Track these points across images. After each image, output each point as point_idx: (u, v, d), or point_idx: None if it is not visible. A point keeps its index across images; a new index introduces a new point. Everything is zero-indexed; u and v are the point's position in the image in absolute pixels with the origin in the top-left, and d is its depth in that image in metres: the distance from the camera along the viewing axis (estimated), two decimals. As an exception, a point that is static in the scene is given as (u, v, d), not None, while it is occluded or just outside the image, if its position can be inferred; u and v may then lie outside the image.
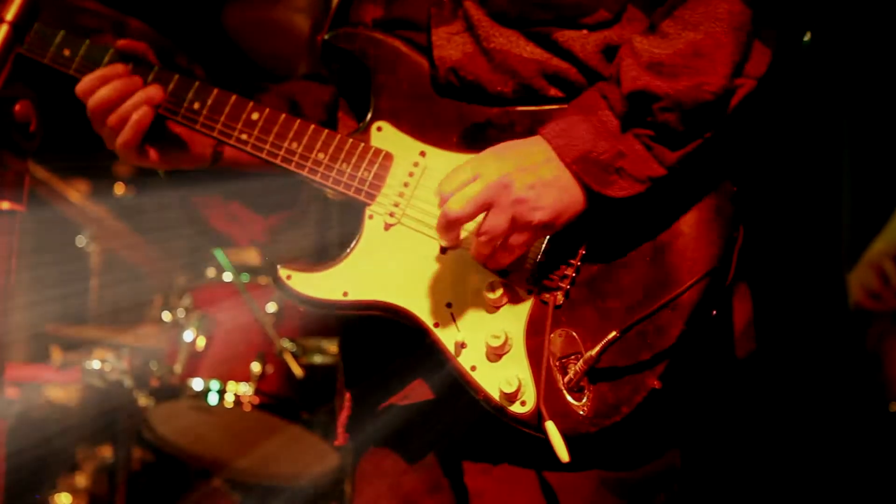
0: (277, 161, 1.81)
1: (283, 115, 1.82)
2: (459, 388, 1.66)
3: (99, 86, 1.87)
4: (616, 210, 1.61)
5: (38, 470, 3.62)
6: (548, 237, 1.65)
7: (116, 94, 1.85)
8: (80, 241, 3.70)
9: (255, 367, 3.04)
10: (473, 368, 1.65)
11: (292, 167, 1.80)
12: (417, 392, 1.76)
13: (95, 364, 3.25)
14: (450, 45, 1.73)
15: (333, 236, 1.89)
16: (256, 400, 3.03)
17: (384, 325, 1.74)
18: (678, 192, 1.62)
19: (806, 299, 3.12)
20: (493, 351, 1.64)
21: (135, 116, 1.84)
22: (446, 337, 1.68)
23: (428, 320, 1.70)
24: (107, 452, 3.60)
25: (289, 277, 1.76)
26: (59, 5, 3.20)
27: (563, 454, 1.55)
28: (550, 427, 1.57)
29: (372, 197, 1.74)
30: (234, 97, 1.84)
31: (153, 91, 1.86)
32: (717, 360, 1.68)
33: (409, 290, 1.72)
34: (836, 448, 3.01)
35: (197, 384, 3.07)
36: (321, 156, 1.78)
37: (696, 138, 1.59)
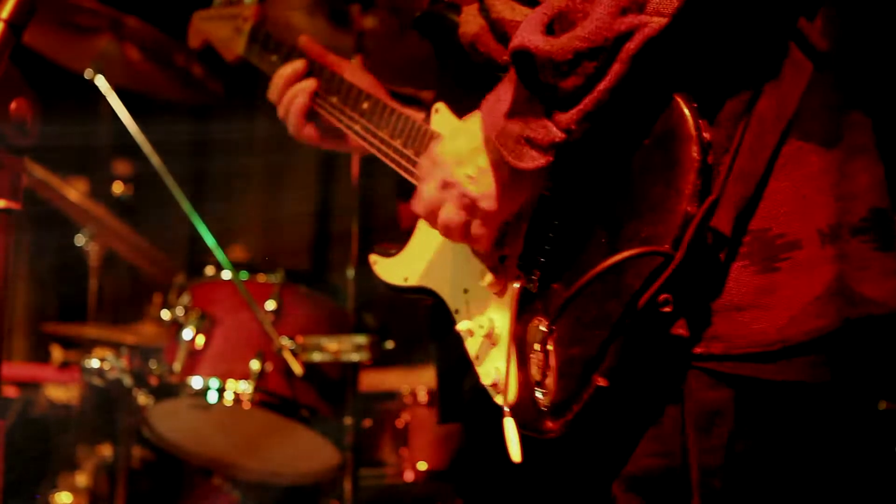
0: (374, 151, 1.92)
1: (381, 104, 1.92)
2: None
3: (277, 80, 2.18)
4: (580, 186, 1.53)
5: (39, 469, 3.63)
6: (528, 221, 1.62)
7: (282, 86, 2.16)
8: (79, 239, 3.70)
9: (255, 364, 3.03)
10: (477, 358, 1.65)
11: (382, 156, 1.89)
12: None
13: (95, 363, 3.24)
14: (471, 22, 1.72)
15: None
16: (256, 398, 3.02)
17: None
18: (644, 161, 1.47)
19: None
20: (486, 340, 1.64)
21: (295, 104, 2.14)
22: (461, 324, 1.69)
23: (451, 306, 1.72)
24: (107, 451, 3.61)
25: (375, 263, 1.87)
26: (57, 3, 3.20)
27: (514, 453, 1.51)
28: (506, 424, 1.54)
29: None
30: (356, 89, 2.01)
31: (308, 83, 2.13)
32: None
33: (442, 274, 1.76)
34: (826, 447, 2.99)
35: (196, 382, 3.07)
36: (398, 142, 1.86)
37: (586, 93, 1.43)
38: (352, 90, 2.04)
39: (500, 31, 1.65)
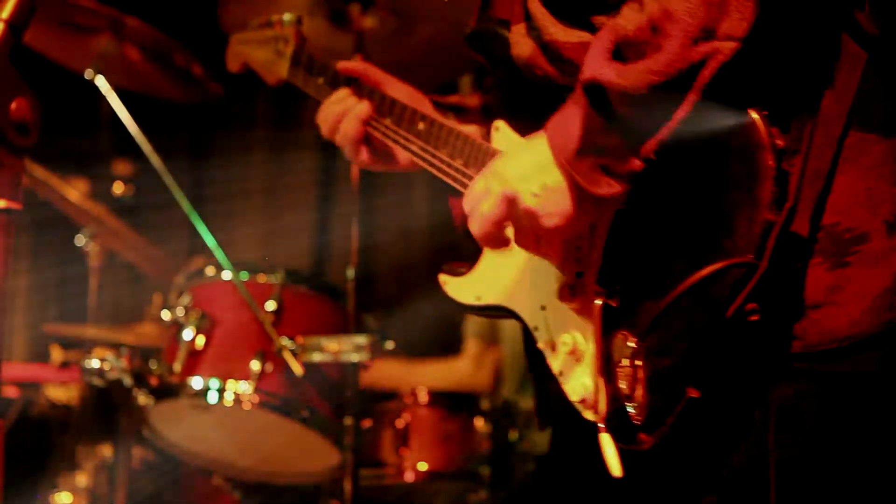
0: (434, 171, 1.90)
1: (439, 124, 1.91)
2: None
3: (328, 110, 2.15)
4: (656, 199, 1.54)
5: (39, 469, 3.63)
6: (607, 237, 1.62)
7: (335, 117, 2.13)
8: (80, 240, 3.70)
9: (255, 365, 3.03)
10: (560, 374, 1.65)
11: (442, 176, 1.88)
12: None
13: (95, 363, 3.23)
14: (521, 43, 1.73)
15: None
16: (256, 398, 3.02)
17: None
18: (715, 176, 1.50)
19: None
20: (570, 356, 1.63)
21: (350, 133, 2.11)
22: (541, 340, 1.69)
23: (529, 323, 1.71)
24: (107, 451, 3.60)
25: (445, 283, 1.86)
26: (57, 4, 3.20)
27: (614, 468, 1.51)
28: (603, 439, 1.53)
29: None
30: (409, 110, 1.99)
31: (361, 108, 2.10)
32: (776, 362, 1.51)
33: (517, 292, 1.76)
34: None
35: (196, 383, 3.06)
36: (459, 162, 1.85)
37: (663, 123, 1.45)
38: (405, 111, 2.03)
39: (555, 54, 1.66)
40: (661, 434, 1.50)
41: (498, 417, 3.40)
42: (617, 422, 1.54)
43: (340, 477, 3.10)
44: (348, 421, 3.04)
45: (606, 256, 1.61)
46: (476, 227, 1.64)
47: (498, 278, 1.79)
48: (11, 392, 3.74)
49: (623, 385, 1.53)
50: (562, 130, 1.55)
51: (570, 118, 1.53)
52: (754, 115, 1.45)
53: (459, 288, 1.85)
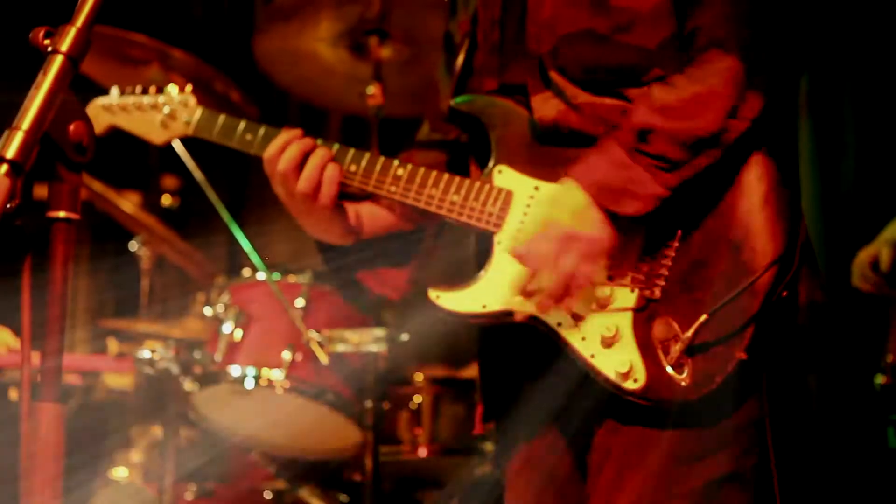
0: (421, 205, 1.94)
1: (423, 169, 1.96)
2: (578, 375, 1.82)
3: (284, 148, 1.94)
4: (697, 222, 1.77)
5: (98, 447, 3.67)
6: (642, 247, 1.79)
7: (300, 151, 1.93)
8: (133, 245, 3.75)
9: (286, 355, 3.08)
10: (592, 356, 1.80)
11: (433, 209, 1.93)
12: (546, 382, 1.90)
13: (146, 354, 3.29)
14: (545, 107, 1.88)
15: (465, 262, 2.04)
16: (287, 384, 3.07)
17: (517, 332, 1.87)
18: (746, 202, 1.76)
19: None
20: (606, 341, 1.78)
21: (327, 172, 1.93)
22: (567, 332, 1.82)
23: (552, 321, 1.83)
24: (157, 431, 3.65)
25: (437, 297, 1.89)
26: (110, 38, 3.24)
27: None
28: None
29: (499, 227, 1.89)
30: (382, 158, 1.97)
31: (326, 152, 1.94)
32: (789, 330, 1.80)
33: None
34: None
35: (235, 370, 3.12)
36: (455, 197, 1.91)
37: (687, 164, 1.73)
38: (375, 158, 1.96)
39: (590, 112, 1.84)
40: (709, 391, 1.72)
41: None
42: (657, 386, 1.75)
43: (362, 453, 3.13)
44: (369, 404, 3.07)
45: (652, 262, 1.79)
46: (546, 282, 1.77)
47: (504, 286, 1.85)
48: (73, 380, 3.78)
49: (671, 357, 1.74)
50: (586, 170, 1.76)
51: (595, 162, 1.76)
52: (764, 156, 1.77)
53: (459, 299, 1.88)
